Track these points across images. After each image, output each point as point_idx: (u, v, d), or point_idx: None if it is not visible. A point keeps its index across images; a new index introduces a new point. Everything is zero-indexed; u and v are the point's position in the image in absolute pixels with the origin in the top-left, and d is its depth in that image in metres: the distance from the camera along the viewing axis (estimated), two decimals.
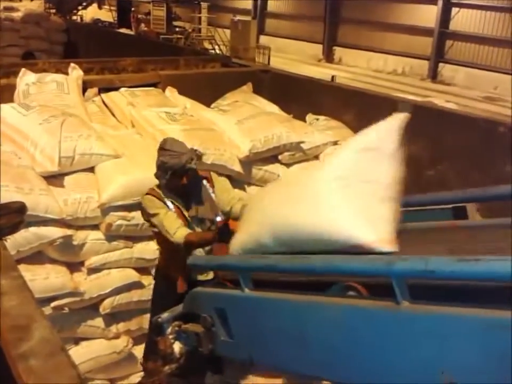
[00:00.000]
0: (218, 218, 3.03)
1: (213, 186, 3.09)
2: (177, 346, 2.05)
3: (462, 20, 18.74)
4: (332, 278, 1.67)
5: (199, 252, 2.94)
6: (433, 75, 19.32)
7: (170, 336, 2.05)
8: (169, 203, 2.99)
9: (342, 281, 1.62)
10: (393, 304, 1.36)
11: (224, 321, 1.89)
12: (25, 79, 4.78)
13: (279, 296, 1.73)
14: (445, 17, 18.98)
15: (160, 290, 3.23)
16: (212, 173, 3.19)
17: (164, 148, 2.90)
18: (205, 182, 3.07)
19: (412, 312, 1.33)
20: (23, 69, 4.94)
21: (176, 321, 2.07)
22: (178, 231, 2.89)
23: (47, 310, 3.37)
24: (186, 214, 3.02)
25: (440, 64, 19.35)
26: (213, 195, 3.07)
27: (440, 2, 18.83)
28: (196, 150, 2.94)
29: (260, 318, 1.79)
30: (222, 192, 3.11)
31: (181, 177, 2.89)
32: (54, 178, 3.66)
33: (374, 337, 1.42)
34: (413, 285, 1.36)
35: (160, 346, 2.06)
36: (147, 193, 3.02)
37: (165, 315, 2.10)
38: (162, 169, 2.91)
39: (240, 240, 2.08)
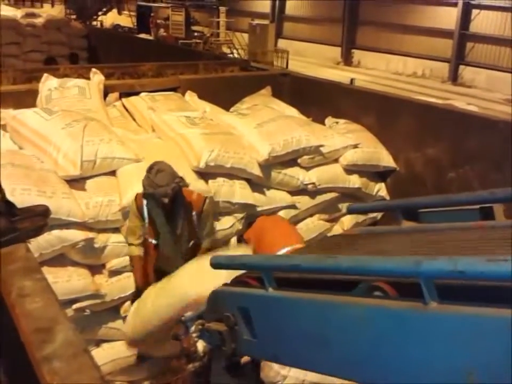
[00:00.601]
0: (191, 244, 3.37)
1: (200, 212, 3.37)
2: (200, 345, 2.06)
3: (482, 21, 18.54)
4: (358, 278, 1.66)
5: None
6: (454, 77, 19.14)
7: (194, 335, 2.05)
8: (145, 214, 3.27)
9: (368, 281, 1.61)
10: (421, 304, 1.34)
11: (248, 320, 1.88)
12: (48, 84, 4.85)
13: (303, 296, 1.72)
14: (465, 19, 18.80)
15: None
16: (207, 199, 3.46)
17: (149, 173, 3.16)
18: (194, 213, 3.37)
19: (440, 313, 1.32)
20: (45, 74, 5.01)
21: (200, 320, 2.08)
22: (131, 247, 3.41)
23: (69, 312, 3.40)
24: (162, 227, 3.32)
25: (461, 67, 19.16)
26: (195, 221, 3.37)
27: (460, 4, 18.66)
28: (179, 180, 3.18)
29: (284, 317, 1.78)
30: (202, 226, 3.43)
31: (163, 201, 3.19)
32: (76, 182, 3.70)
33: (400, 339, 1.41)
34: (441, 284, 1.35)
35: (183, 344, 2.08)
36: (136, 195, 3.36)
37: (189, 313, 2.11)
38: (146, 189, 3.21)
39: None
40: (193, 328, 2.05)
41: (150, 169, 3.16)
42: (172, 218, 3.31)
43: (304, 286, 1.76)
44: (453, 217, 2.39)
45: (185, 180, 3.37)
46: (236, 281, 2.09)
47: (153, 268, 3.38)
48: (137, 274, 3.42)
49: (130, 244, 3.43)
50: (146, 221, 3.29)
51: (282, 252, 3.48)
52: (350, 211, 3.34)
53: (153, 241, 3.35)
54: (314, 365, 1.74)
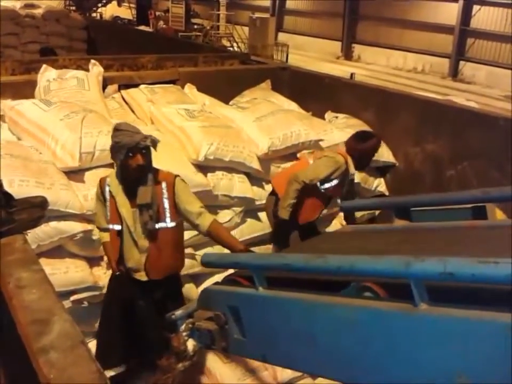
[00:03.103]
0: (158, 226, 2.87)
1: (172, 193, 2.88)
2: (190, 344, 2.04)
3: (483, 17, 18.50)
4: (349, 278, 1.65)
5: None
6: (454, 73, 19.12)
7: (184, 334, 2.03)
8: (107, 194, 2.92)
9: (358, 281, 1.60)
10: (411, 306, 1.33)
11: (238, 319, 1.87)
12: (46, 75, 4.82)
13: (293, 296, 1.71)
14: (466, 15, 18.76)
15: None
16: (177, 179, 2.94)
17: (118, 128, 2.78)
18: (164, 184, 2.88)
19: (430, 315, 1.30)
20: (44, 65, 4.98)
21: (190, 318, 2.06)
22: (100, 233, 3.13)
23: (66, 303, 3.40)
24: (124, 208, 2.87)
25: (461, 62, 19.13)
26: (166, 201, 2.87)
27: (461, 0, 18.61)
28: (150, 137, 2.80)
29: (274, 317, 1.77)
30: (187, 203, 2.91)
31: (135, 157, 2.75)
32: (75, 174, 3.69)
33: (389, 340, 1.40)
34: (431, 285, 1.33)
35: (173, 343, 2.06)
36: (100, 179, 3.04)
37: (179, 312, 2.08)
38: (116, 149, 2.76)
39: None
40: (183, 327, 2.02)
41: (117, 126, 2.80)
42: (136, 193, 2.83)
43: (295, 285, 1.74)
44: (445, 216, 2.38)
45: None
46: (227, 280, 2.08)
47: (116, 259, 2.99)
48: (112, 262, 3.05)
49: (100, 230, 3.13)
50: (108, 203, 2.92)
51: None
52: (342, 209, 3.34)
53: (115, 227, 2.92)
54: (304, 365, 1.73)
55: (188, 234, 3.90)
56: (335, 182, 3.67)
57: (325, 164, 3.68)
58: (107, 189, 2.94)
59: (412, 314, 1.33)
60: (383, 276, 1.46)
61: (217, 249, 4.12)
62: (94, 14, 20.03)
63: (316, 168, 3.70)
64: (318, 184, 3.65)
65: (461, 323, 1.25)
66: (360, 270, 1.48)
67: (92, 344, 3.49)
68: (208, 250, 4.06)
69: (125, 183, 2.88)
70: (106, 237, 3.07)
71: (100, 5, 21.85)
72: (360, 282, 1.58)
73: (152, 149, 2.82)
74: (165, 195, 2.88)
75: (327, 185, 3.67)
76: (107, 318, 3.20)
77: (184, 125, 4.20)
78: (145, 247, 2.92)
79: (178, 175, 3.00)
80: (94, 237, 3.49)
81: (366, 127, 4.99)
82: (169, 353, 2.12)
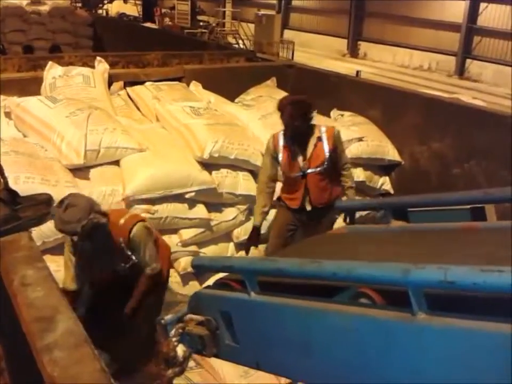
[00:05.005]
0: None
1: (127, 239, 2.92)
2: (180, 350, 1.95)
3: (490, 15, 18.36)
4: (344, 283, 1.60)
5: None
6: (460, 71, 19.00)
7: (174, 339, 1.94)
8: (69, 253, 3.01)
9: (354, 287, 1.56)
10: (409, 315, 1.28)
11: (229, 325, 1.81)
12: (52, 72, 4.83)
13: (286, 302, 1.64)
14: (473, 12, 18.62)
15: None
16: (137, 225, 2.95)
17: (58, 207, 2.70)
18: (120, 239, 2.91)
19: (428, 324, 1.25)
20: (50, 62, 4.99)
21: (180, 323, 1.96)
22: (65, 280, 3.05)
23: None
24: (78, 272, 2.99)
25: (468, 60, 19.00)
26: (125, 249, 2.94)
27: None
28: (94, 216, 2.73)
29: (266, 323, 1.71)
30: (138, 253, 2.99)
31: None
32: (80, 171, 3.70)
33: (386, 349, 1.35)
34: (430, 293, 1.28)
35: (163, 348, 1.96)
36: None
37: (169, 316, 1.98)
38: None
39: None
40: (173, 332, 1.94)
41: (60, 203, 2.73)
42: (89, 257, 2.96)
43: (288, 289, 1.69)
44: (443, 217, 2.34)
45: (105, 213, 2.87)
46: (218, 284, 2.02)
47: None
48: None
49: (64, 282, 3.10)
50: (72, 258, 3.03)
51: None
52: (338, 208, 3.30)
53: (71, 288, 3.03)
54: (298, 373, 1.68)
55: (192, 232, 3.91)
56: (276, 157, 3.55)
57: (264, 154, 3.72)
58: (70, 246, 2.99)
59: (410, 323, 1.28)
60: (379, 283, 1.41)
61: (221, 247, 4.14)
62: (100, 11, 20.02)
63: (261, 164, 3.75)
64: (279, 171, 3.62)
65: (460, 333, 1.21)
66: (356, 277, 1.43)
67: None
68: (212, 247, 4.07)
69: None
70: (69, 283, 3.06)
71: (105, 1, 21.88)
72: (356, 288, 1.54)
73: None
74: (126, 250, 2.96)
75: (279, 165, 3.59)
76: None
77: (190, 123, 4.20)
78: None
79: (137, 222, 2.98)
80: None
81: (371, 125, 4.97)
82: (159, 359, 2.00)
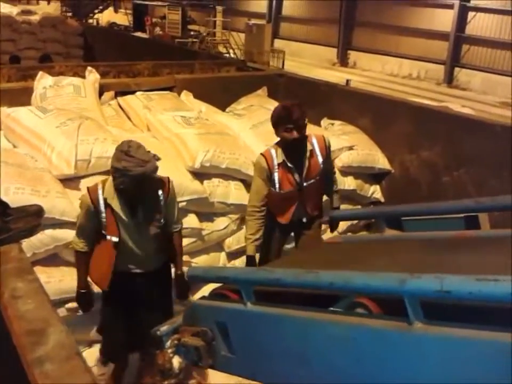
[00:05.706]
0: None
1: (167, 196, 2.93)
2: (176, 361, 1.93)
3: (478, 24, 18.61)
4: (341, 293, 1.61)
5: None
6: (449, 80, 19.20)
7: (169, 350, 1.93)
8: (101, 207, 2.82)
9: (351, 297, 1.56)
10: (405, 324, 1.29)
11: (225, 335, 1.80)
12: (43, 82, 4.82)
13: (282, 312, 1.64)
14: (461, 21, 18.87)
15: None
16: (172, 182, 2.98)
17: (128, 153, 2.65)
18: (160, 192, 2.91)
19: (425, 333, 1.26)
20: (40, 72, 4.98)
21: (176, 334, 1.95)
22: (75, 241, 2.99)
23: (61, 311, 3.38)
24: (122, 222, 2.86)
25: (456, 69, 19.23)
26: (161, 204, 2.93)
27: (456, 6, 18.72)
28: (154, 156, 2.75)
29: (263, 333, 1.70)
30: (170, 209, 3.00)
31: (140, 185, 2.73)
32: (70, 181, 3.68)
33: (383, 359, 1.35)
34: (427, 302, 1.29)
35: (158, 360, 1.94)
36: (88, 189, 2.91)
37: (164, 327, 1.97)
38: (121, 174, 2.68)
39: None
40: (168, 343, 1.93)
41: (127, 149, 2.65)
42: (137, 205, 2.86)
43: (284, 299, 1.68)
44: (437, 226, 2.35)
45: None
46: (214, 294, 2.01)
47: (111, 269, 2.93)
48: (81, 272, 3.02)
49: (76, 240, 3.01)
50: (103, 215, 2.83)
51: None
52: (332, 218, 3.30)
53: (114, 239, 2.87)
54: (294, 383, 1.66)
55: (183, 242, 3.89)
56: (270, 177, 3.39)
57: (254, 175, 3.52)
58: (101, 201, 2.83)
59: (406, 333, 1.29)
60: (376, 293, 1.42)
61: (213, 256, 4.13)
62: (90, 20, 20.07)
63: (252, 187, 3.53)
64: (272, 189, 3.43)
65: (457, 342, 1.21)
66: (353, 287, 1.44)
67: (87, 353, 3.48)
68: (204, 257, 4.06)
69: (126, 197, 2.83)
70: (82, 245, 2.97)
71: (96, 11, 21.93)
72: (353, 297, 1.54)
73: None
74: (162, 205, 2.94)
75: (274, 187, 3.43)
76: (112, 317, 3.20)
77: (181, 132, 4.20)
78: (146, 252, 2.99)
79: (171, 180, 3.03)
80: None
81: (361, 134, 5.00)
82: (154, 370, 1.98)
